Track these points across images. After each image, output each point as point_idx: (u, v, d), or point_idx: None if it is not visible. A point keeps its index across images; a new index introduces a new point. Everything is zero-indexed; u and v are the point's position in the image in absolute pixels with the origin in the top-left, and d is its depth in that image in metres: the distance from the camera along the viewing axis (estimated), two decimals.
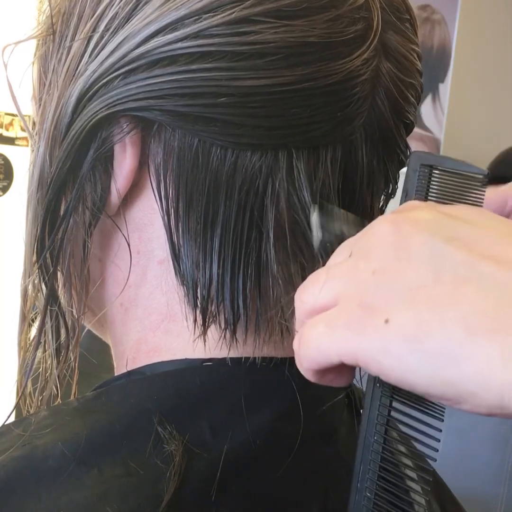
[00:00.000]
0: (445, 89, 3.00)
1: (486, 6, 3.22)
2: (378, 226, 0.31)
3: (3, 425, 0.42)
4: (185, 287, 0.42)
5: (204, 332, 0.42)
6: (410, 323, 0.27)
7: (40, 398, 0.46)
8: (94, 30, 0.40)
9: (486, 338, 0.25)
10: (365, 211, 0.44)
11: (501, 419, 0.44)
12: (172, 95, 0.39)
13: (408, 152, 0.47)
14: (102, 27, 0.40)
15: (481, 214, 0.31)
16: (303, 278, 0.35)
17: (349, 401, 0.48)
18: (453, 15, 3.04)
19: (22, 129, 2.24)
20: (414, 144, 3.05)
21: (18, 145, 2.31)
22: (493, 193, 0.46)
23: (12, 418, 0.43)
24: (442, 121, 2.99)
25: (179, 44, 0.38)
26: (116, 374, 0.46)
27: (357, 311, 0.29)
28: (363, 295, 0.29)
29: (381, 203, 0.47)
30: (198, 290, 0.41)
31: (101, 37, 0.40)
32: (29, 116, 0.47)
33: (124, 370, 0.44)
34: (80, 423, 0.39)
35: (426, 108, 2.99)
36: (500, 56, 3.28)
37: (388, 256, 0.29)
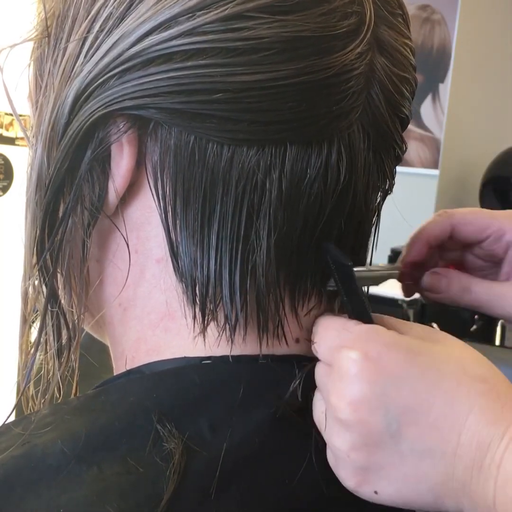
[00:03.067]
0: (445, 89, 3.00)
1: (486, 6, 3.22)
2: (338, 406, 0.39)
3: (3, 424, 0.42)
4: (183, 285, 0.42)
5: (204, 330, 0.42)
6: (395, 496, 0.39)
7: (42, 400, 0.46)
8: (88, 31, 0.41)
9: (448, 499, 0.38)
10: (362, 207, 0.44)
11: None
12: (167, 92, 0.39)
13: (404, 147, 0.47)
14: (96, 27, 0.40)
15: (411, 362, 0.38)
16: None
17: None
18: (453, 15, 3.04)
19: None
20: (414, 144, 3.05)
21: (18, 145, 2.31)
22: (476, 216, 0.51)
23: (12, 419, 0.43)
24: (442, 121, 2.99)
25: (174, 42, 0.38)
26: (115, 374, 0.46)
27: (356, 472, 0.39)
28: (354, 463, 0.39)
29: (378, 200, 0.47)
30: (197, 287, 0.41)
31: (96, 37, 0.40)
32: (26, 117, 0.47)
33: (123, 370, 0.44)
34: (79, 422, 0.40)
35: (426, 108, 2.99)
36: (500, 56, 3.28)
37: (356, 442, 0.38)
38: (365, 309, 0.42)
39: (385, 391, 0.37)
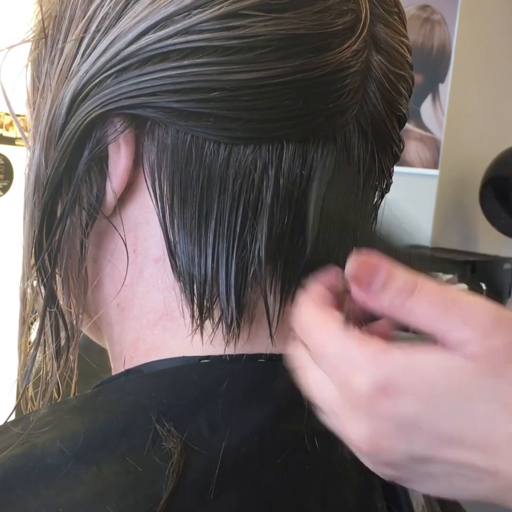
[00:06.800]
0: (445, 89, 3.00)
1: (486, 6, 3.22)
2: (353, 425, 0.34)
3: (2, 423, 0.42)
4: (182, 284, 0.42)
5: (200, 327, 0.42)
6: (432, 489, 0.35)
7: (41, 403, 0.46)
8: (85, 31, 0.41)
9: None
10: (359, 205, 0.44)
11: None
12: (164, 91, 0.39)
13: (402, 146, 0.47)
14: (93, 28, 0.40)
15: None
16: None
17: None
18: (453, 15, 3.04)
19: None
20: (414, 144, 3.05)
21: (18, 145, 2.31)
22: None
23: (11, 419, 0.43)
24: (442, 121, 2.99)
25: (170, 41, 0.38)
26: (113, 374, 0.46)
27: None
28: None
29: (375, 199, 0.47)
30: (194, 286, 0.42)
31: (93, 37, 0.40)
32: (24, 117, 0.47)
33: (122, 370, 0.44)
34: (78, 421, 0.40)
35: (426, 108, 2.99)
36: (500, 56, 3.28)
37: (380, 463, 0.35)
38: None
39: (404, 427, 0.33)
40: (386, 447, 0.34)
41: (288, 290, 0.43)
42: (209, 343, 0.42)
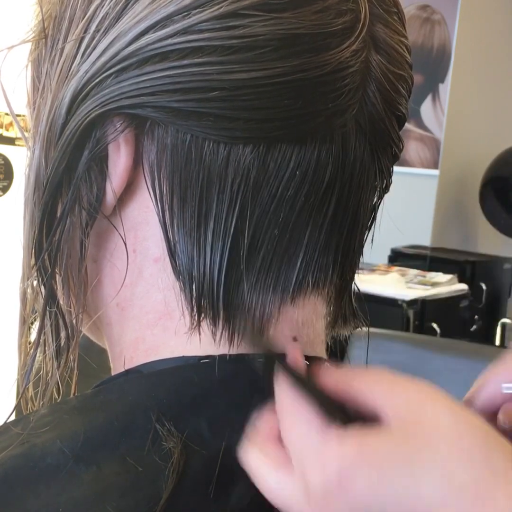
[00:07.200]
0: (445, 89, 3.00)
1: (486, 6, 3.23)
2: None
3: (2, 424, 0.42)
4: (181, 283, 0.42)
5: (198, 325, 0.42)
6: None
7: (41, 403, 0.46)
8: (85, 31, 0.41)
9: None
10: (357, 205, 0.44)
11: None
12: (164, 91, 0.39)
13: (402, 146, 0.47)
14: (93, 28, 0.41)
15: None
16: None
17: None
18: (453, 15, 3.05)
19: None
20: (414, 144, 3.06)
21: (18, 145, 2.31)
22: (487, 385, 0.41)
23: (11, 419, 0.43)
24: (442, 121, 2.99)
25: (169, 41, 0.39)
26: (113, 374, 0.46)
27: None
28: None
29: (375, 199, 0.47)
30: (194, 286, 0.42)
31: (92, 37, 0.40)
32: (24, 117, 0.47)
33: (121, 370, 0.44)
34: (78, 421, 0.40)
35: (426, 108, 2.99)
36: (500, 56, 3.28)
37: None
38: (325, 411, 0.35)
39: None
40: None
41: (286, 289, 0.43)
42: (209, 343, 0.42)
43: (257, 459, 0.36)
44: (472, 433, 0.33)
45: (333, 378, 0.37)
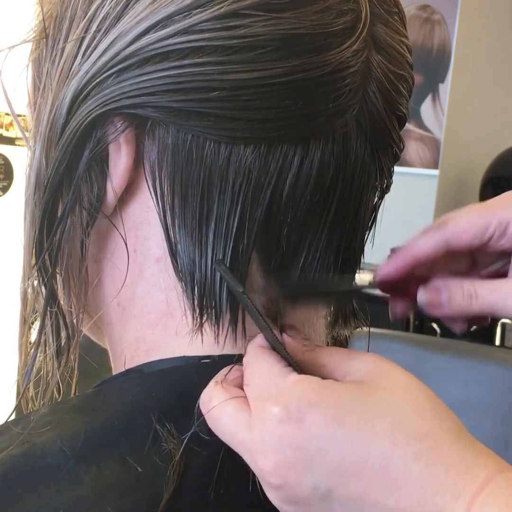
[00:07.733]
0: (445, 89, 3.00)
1: (486, 6, 3.22)
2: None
3: (2, 423, 0.42)
4: (183, 283, 0.42)
5: (200, 325, 0.42)
6: None
7: (41, 403, 0.46)
8: (86, 31, 0.41)
9: None
10: (358, 205, 0.44)
11: (502, 419, 0.45)
12: (164, 91, 0.39)
13: (402, 145, 0.47)
14: (94, 27, 0.41)
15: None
16: None
17: None
18: (453, 15, 3.05)
19: None
20: (414, 144, 3.06)
21: (18, 145, 2.31)
22: (470, 220, 0.45)
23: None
24: (442, 121, 2.99)
25: (170, 41, 0.39)
26: (114, 374, 0.46)
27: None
28: None
29: (376, 199, 0.47)
30: (196, 286, 0.42)
31: (93, 37, 0.40)
32: (24, 117, 0.47)
33: (122, 370, 0.44)
34: (78, 421, 0.40)
35: (426, 108, 2.99)
36: (500, 56, 3.28)
37: (286, 499, 0.36)
38: (284, 354, 0.38)
39: (309, 455, 0.34)
40: (292, 479, 0.35)
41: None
42: (210, 343, 0.42)
43: (219, 397, 0.38)
44: (424, 392, 0.36)
45: (301, 343, 0.40)
